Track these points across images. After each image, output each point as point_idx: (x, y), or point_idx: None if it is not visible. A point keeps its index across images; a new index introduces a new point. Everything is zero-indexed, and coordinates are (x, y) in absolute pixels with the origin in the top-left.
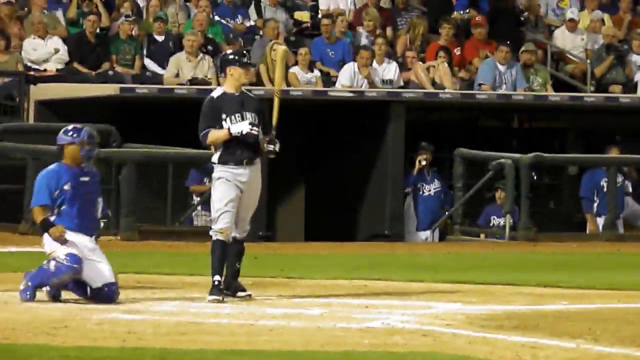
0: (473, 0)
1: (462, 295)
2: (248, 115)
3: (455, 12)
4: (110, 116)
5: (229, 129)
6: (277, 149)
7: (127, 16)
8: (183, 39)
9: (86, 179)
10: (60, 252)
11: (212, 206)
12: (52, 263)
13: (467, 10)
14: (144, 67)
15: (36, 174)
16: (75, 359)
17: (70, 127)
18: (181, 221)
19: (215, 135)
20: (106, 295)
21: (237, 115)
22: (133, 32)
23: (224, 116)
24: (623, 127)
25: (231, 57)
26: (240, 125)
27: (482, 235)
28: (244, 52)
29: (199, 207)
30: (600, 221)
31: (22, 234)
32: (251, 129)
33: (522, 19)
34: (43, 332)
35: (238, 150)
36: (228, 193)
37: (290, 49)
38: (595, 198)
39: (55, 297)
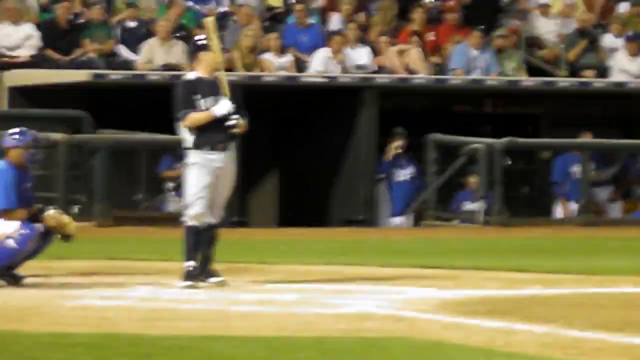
0: None
1: (435, 280)
2: (222, 98)
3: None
4: (83, 102)
5: (211, 110)
6: (239, 122)
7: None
8: (155, 25)
9: (29, 184)
10: (7, 229)
11: (186, 191)
12: (10, 241)
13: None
14: (116, 53)
15: None
16: (49, 345)
17: (15, 130)
18: (155, 207)
19: (196, 116)
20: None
21: (211, 98)
22: (104, 17)
23: (198, 97)
24: (596, 111)
25: (202, 42)
26: (224, 106)
27: (456, 221)
28: None
29: (172, 193)
30: (571, 205)
31: None
32: (234, 107)
33: (502, 4)
34: (16, 318)
35: (213, 134)
36: (202, 179)
37: (263, 35)
38: (566, 183)
39: (17, 280)
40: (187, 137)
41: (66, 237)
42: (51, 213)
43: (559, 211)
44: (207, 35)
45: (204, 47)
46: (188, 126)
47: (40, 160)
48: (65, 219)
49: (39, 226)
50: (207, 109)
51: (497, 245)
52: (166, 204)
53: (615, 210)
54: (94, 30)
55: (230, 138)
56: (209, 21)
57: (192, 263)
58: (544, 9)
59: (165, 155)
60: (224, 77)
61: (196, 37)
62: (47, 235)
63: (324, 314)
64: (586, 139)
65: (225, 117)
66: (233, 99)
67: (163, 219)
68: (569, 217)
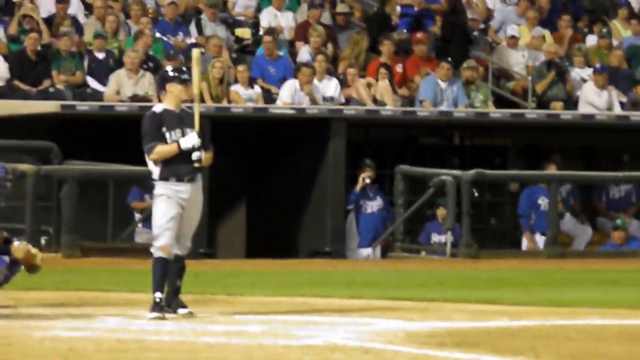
0: (417, 21)
1: (403, 312)
2: (188, 131)
3: (395, 33)
4: (51, 133)
5: (178, 143)
6: (202, 157)
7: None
8: (123, 56)
9: None
10: None
11: (153, 223)
12: None
13: (405, 31)
14: (85, 84)
15: None
16: None
17: None
18: (122, 238)
19: (162, 149)
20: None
21: (177, 131)
22: (73, 48)
23: (164, 130)
24: (564, 143)
25: (170, 73)
26: (191, 139)
27: (423, 252)
28: (183, 68)
29: (140, 224)
30: (537, 238)
31: None
32: (201, 142)
33: (472, 37)
34: None
35: (179, 165)
36: (169, 210)
37: (232, 66)
38: (532, 215)
39: None
40: (154, 169)
41: (32, 269)
42: (18, 245)
43: (525, 244)
44: (191, 66)
45: (171, 79)
46: (154, 159)
47: (9, 193)
48: (33, 250)
49: (5, 257)
50: (173, 142)
51: (465, 277)
52: (135, 235)
53: (585, 238)
54: (63, 62)
55: (196, 169)
56: (195, 52)
57: (159, 294)
58: (512, 41)
59: (133, 186)
60: (198, 110)
61: (164, 69)
62: (12, 265)
63: (291, 345)
64: (552, 170)
65: (191, 151)
66: (201, 132)
67: (131, 250)
68: (537, 250)
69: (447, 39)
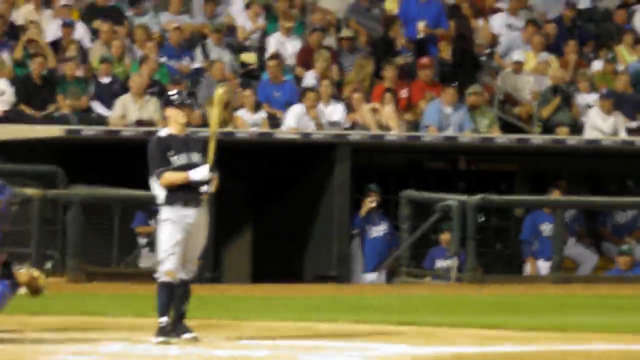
0: (420, 46)
1: (408, 337)
2: (194, 156)
3: (398, 58)
4: (56, 158)
5: (188, 175)
6: (210, 189)
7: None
8: (129, 81)
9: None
10: None
11: (158, 248)
12: None
13: (410, 54)
14: (90, 109)
15: None
16: None
17: None
18: (127, 262)
19: (171, 177)
20: None
21: (183, 155)
22: (79, 73)
23: (169, 154)
24: (569, 168)
25: (169, 98)
26: (201, 172)
27: (428, 277)
28: (183, 92)
29: (145, 249)
30: (540, 264)
31: None
32: (212, 176)
33: (480, 62)
34: None
35: (185, 191)
36: (174, 234)
37: (236, 91)
38: (535, 241)
39: None
40: (160, 194)
41: (36, 291)
42: (20, 270)
43: (527, 270)
44: (194, 91)
45: (169, 103)
46: (164, 185)
47: (14, 216)
48: (35, 273)
49: (6, 281)
50: (180, 166)
51: (469, 302)
52: (139, 260)
53: (590, 263)
54: (68, 86)
55: (201, 195)
56: (218, 92)
57: (165, 319)
58: (518, 66)
59: (138, 211)
60: (213, 146)
61: (168, 93)
62: (12, 288)
63: None
64: (557, 196)
65: (200, 183)
66: (214, 167)
67: (136, 274)
68: (542, 275)
69: (457, 64)
